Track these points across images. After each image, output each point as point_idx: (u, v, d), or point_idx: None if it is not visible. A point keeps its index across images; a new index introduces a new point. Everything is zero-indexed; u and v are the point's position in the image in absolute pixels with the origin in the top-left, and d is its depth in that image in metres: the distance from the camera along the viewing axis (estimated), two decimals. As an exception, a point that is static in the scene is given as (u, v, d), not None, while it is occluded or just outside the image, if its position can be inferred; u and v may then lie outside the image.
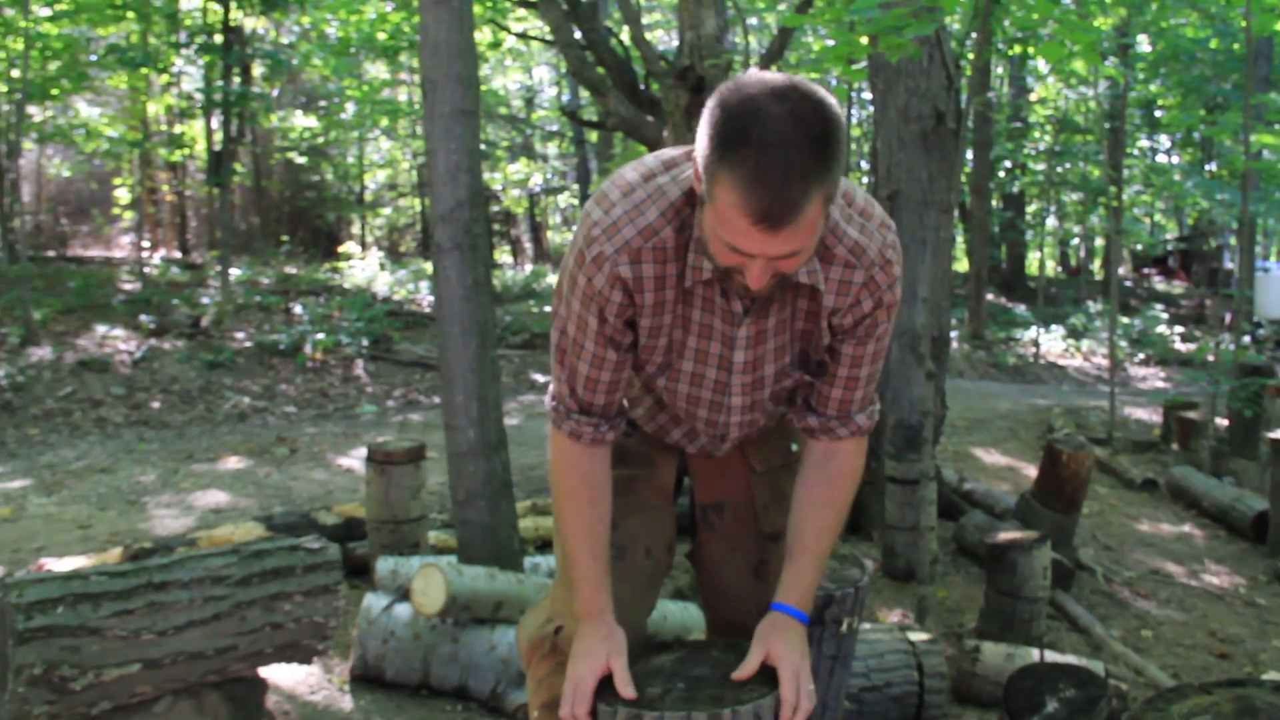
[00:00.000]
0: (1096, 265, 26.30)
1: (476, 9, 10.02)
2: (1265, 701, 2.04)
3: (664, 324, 1.86)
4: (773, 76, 1.56)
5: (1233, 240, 19.24)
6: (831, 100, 1.56)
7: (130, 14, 12.18)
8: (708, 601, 2.33)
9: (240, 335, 11.07)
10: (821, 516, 1.97)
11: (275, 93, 18.11)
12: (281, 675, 3.49)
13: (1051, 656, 3.72)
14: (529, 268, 20.37)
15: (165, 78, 14.73)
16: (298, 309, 12.37)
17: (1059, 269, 27.56)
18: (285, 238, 18.80)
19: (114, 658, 2.59)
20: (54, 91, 11.97)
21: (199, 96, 13.89)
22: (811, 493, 1.98)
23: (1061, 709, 2.74)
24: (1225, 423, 8.94)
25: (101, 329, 10.43)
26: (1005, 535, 4.51)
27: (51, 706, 2.54)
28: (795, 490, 2.00)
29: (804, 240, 1.59)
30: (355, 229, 22.09)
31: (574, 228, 1.85)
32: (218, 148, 13.39)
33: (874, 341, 1.89)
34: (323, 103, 19.06)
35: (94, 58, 12.42)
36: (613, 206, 1.76)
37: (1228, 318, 15.99)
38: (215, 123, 13.82)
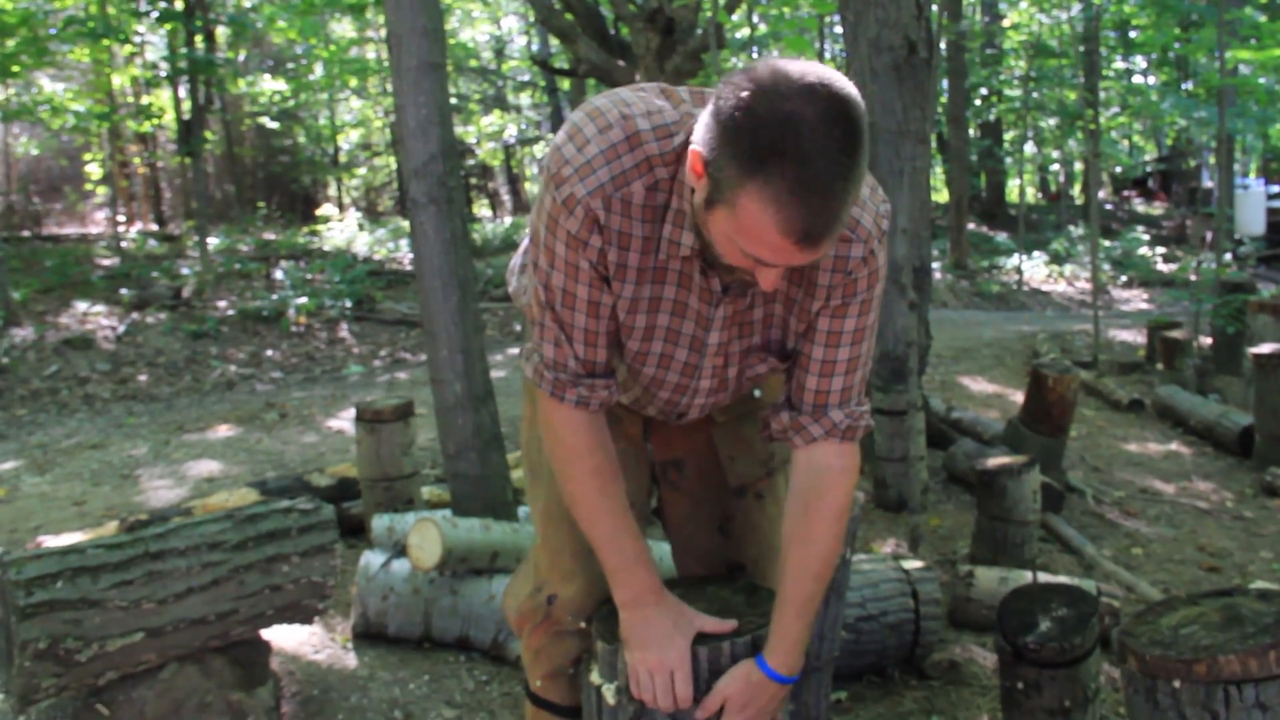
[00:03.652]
0: (1076, 189, 26.30)
1: (440, -39, 9.88)
2: (1250, 609, 2.08)
3: (627, 298, 1.69)
4: (791, 70, 1.37)
5: (1211, 159, 19.24)
6: (849, 84, 1.40)
7: (87, -16, 12.01)
8: (676, 557, 2.24)
9: (222, 304, 11.03)
10: (800, 556, 1.78)
11: (241, 58, 17.89)
12: (285, 637, 3.52)
13: (1044, 578, 3.77)
14: (508, 220, 20.28)
15: (128, 48, 14.51)
16: (279, 274, 12.31)
17: (1039, 195, 27.55)
18: (262, 204, 18.67)
19: (116, 628, 2.60)
20: (14, 68, 11.78)
21: (164, 65, 13.72)
22: (790, 527, 1.80)
23: (1054, 627, 2.77)
24: (1209, 341, 9.00)
25: (82, 306, 10.37)
26: (994, 461, 4.54)
27: (59, 679, 2.56)
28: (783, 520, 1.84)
29: (834, 245, 1.50)
30: (331, 191, 21.94)
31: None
32: (187, 116, 13.24)
33: (854, 317, 1.71)
34: (290, 65, 18.83)
35: (53, 31, 12.23)
36: (587, 143, 1.57)
37: (1208, 236, 16.04)
38: (183, 91, 13.66)
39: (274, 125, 19.37)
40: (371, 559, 3.64)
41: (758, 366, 1.82)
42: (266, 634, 3.03)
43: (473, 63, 21.67)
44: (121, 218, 16.00)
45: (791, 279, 1.70)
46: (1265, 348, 6.25)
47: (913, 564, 3.62)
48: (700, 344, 1.76)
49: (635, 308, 1.70)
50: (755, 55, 21.04)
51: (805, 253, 1.42)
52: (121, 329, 9.95)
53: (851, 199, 1.40)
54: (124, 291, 10.75)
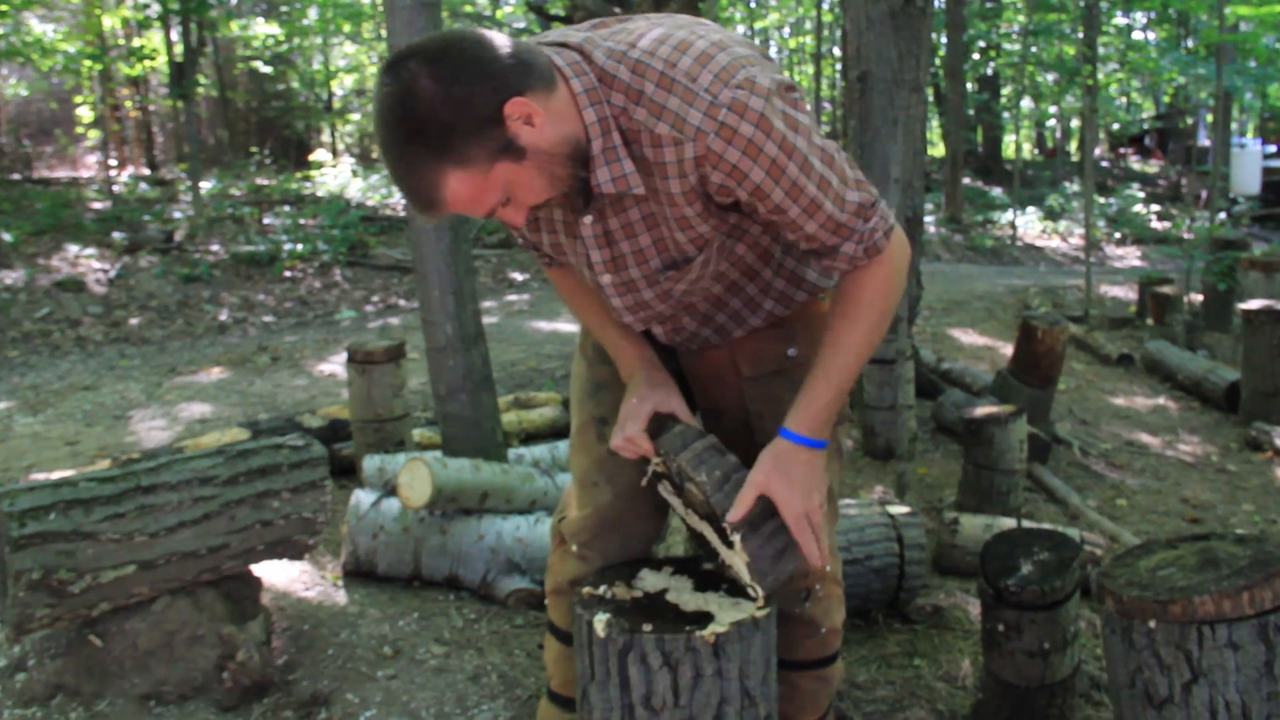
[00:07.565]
0: (1073, 146, 26.19)
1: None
2: (1226, 552, 2.10)
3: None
4: (402, 51, 1.50)
5: (1209, 117, 19.16)
6: (426, 75, 1.47)
7: (78, -78, 11.83)
8: None
9: (215, 248, 10.99)
10: (835, 330, 1.80)
11: (234, 0, 17.69)
12: (276, 574, 3.56)
13: (1029, 526, 3.81)
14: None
15: (119, -12, 14.36)
16: (271, 219, 12.26)
17: (1035, 151, 27.46)
18: (255, 149, 18.52)
19: (109, 560, 2.63)
20: (2, 8, 11.63)
21: (155, 6, 13.54)
22: (834, 310, 1.84)
23: (1035, 570, 2.81)
24: (1199, 297, 9.03)
25: (74, 249, 10.33)
26: (982, 409, 4.57)
27: (53, 610, 2.59)
28: None
29: (477, 203, 1.57)
30: (325, 137, 21.76)
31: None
32: (179, 59, 13.10)
33: (776, 186, 1.61)
34: (284, 8, 18.61)
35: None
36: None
37: (1203, 195, 16.01)
38: (174, 33, 13.49)
39: (267, 69, 19.17)
40: (362, 497, 3.67)
41: (678, 286, 1.86)
42: (258, 570, 3.06)
43: (468, 8, 21.42)
44: (113, 161, 15.89)
45: (650, 200, 1.71)
46: (1254, 304, 6.28)
47: (898, 510, 3.65)
48: (587, 260, 1.85)
49: (539, 227, 1.90)
50: (751, 4, 20.83)
51: (435, 217, 1.60)
52: (113, 272, 9.92)
53: (434, 178, 1.52)
54: (116, 235, 10.70)
